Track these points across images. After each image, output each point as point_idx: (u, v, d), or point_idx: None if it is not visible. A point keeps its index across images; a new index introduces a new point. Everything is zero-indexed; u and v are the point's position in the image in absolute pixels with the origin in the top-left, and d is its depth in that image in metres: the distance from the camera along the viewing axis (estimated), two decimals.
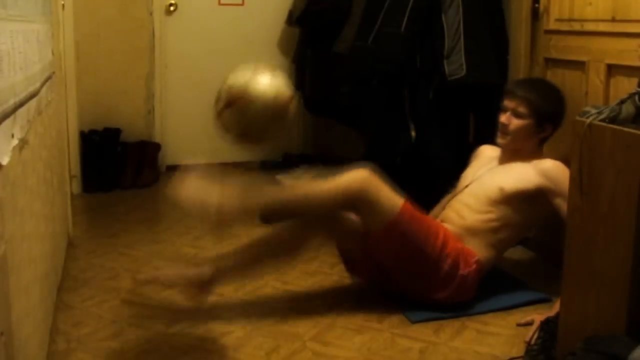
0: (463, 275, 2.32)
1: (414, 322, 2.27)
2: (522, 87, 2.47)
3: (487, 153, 2.61)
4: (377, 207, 2.23)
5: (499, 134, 2.46)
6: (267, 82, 2.01)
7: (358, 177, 2.22)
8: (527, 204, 2.37)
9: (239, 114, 2.00)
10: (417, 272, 2.31)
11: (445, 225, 2.45)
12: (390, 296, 2.41)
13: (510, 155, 2.47)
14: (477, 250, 2.37)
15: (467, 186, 2.52)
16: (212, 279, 2.29)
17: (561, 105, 2.45)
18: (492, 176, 2.46)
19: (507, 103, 2.43)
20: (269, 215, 2.31)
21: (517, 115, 2.40)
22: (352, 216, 2.33)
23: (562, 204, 2.25)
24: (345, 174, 2.23)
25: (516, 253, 2.87)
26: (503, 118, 2.43)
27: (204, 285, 2.29)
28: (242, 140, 2.10)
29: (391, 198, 2.24)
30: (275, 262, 2.44)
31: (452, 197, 2.56)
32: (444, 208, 2.56)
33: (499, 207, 2.37)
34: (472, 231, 2.39)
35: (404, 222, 2.24)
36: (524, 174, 2.36)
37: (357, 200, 2.22)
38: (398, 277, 2.35)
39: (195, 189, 2.13)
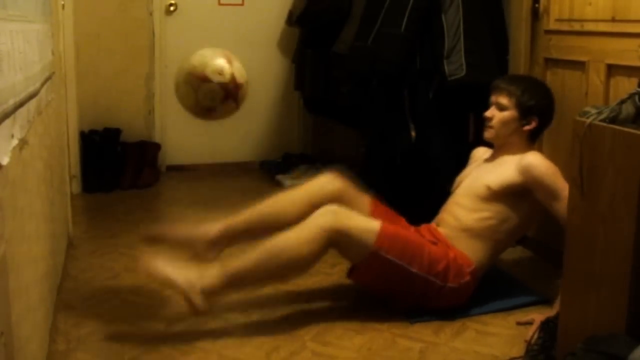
0: (453, 288, 2.29)
1: (414, 322, 2.27)
2: (505, 80, 2.49)
3: (480, 154, 2.61)
4: (353, 241, 2.19)
5: (484, 128, 2.46)
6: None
7: (326, 216, 2.18)
8: (519, 198, 2.34)
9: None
10: (407, 292, 2.30)
11: (441, 229, 2.44)
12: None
13: (499, 150, 2.47)
14: (475, 254, 2.35)
15: (457, 187, 2.52)
16: (219, 239, 2.31)
17: (546, 98, 2.43)
18: (479, 174, 2.46)
19: (492, 97, 2.45)
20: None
21: (500, 107, 2.41)
22: None
23: (546, 200, 2.26)
24: (312, 217, 2.18)
25: (516, 253, 2.87)
26: (487, 112, 2.44)
27: (209, 245, 2.31)
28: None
29: (366, 227, 2.21)
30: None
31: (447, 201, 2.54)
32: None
33: (492, 204, 2.35)
34: (471, 232, 2.37)
35: (385, 250, 2.20)
36: (507, 169, 2.35)
37: (333, 240, 2.17)
38: (390, 296, 2.36)
39: (167, 272, 2.12)
